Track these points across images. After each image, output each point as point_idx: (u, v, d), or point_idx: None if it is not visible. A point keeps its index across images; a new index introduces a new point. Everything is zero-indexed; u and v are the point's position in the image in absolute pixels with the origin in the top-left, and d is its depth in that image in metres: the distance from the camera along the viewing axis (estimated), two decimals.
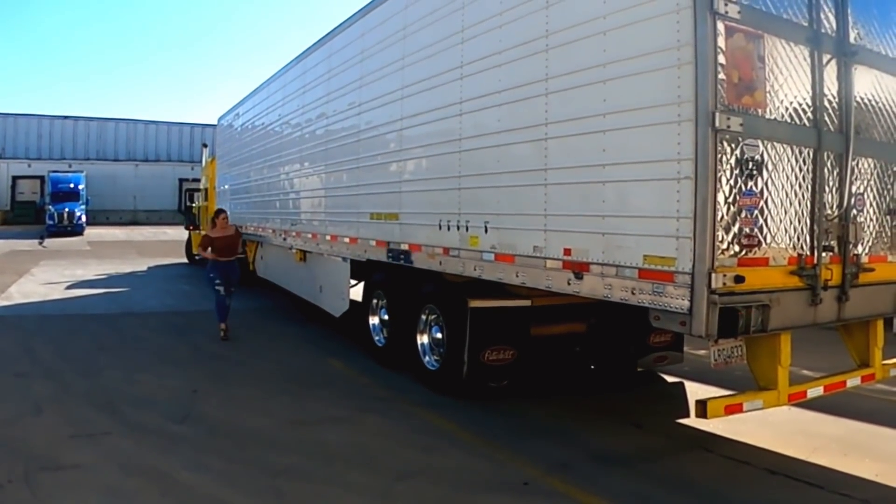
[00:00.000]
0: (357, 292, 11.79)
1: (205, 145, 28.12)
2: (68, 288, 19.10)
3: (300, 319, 14.45)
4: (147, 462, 6.50)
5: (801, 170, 6.08)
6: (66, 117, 56.03)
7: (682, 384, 9.50)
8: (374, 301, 10.96)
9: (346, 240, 11.48)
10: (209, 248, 12.51)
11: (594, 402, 8.81)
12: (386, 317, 10.62)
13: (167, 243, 34.24)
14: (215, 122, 23.96)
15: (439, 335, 9.05)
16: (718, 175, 5.38)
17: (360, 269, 11.50)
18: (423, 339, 9.40)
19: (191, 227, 26.56)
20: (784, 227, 5.92)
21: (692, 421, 7.40)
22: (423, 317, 9.38)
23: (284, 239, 15.02)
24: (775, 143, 5.84)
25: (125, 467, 6.35)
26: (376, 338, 10.88)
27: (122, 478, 6.13)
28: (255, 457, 6.68)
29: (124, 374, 9.67)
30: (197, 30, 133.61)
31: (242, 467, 6.43)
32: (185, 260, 27.01)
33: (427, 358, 9.30)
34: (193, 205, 26.70)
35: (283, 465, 6.48)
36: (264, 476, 6.24)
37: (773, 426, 7.56)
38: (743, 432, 7.35)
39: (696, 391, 8.67)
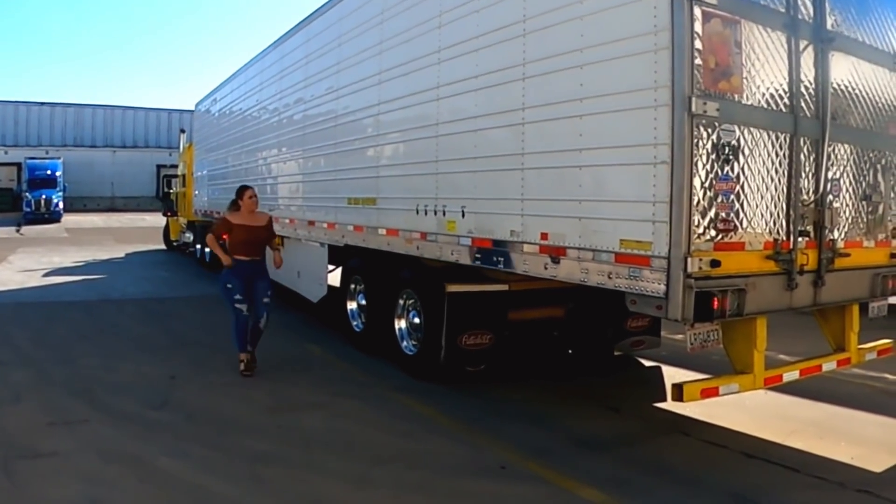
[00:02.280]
0: (335, 277, 11.77)
1: (182, 131, 27.97)
2: (46, 275, 18.99)
3: (278, 305, 14.25)
4: (126, 449, 6.46)
5: (777, 155, 6.10)
6: (42, 103, 55.33)
7: (659, 368, 9.56)
8: (352, 286, 10.94)
9: (324, 225, 11.47)
10: (224, 241, 9.32)
11: (572, 386, 8.84)
12: (364, 302, 10.60)
13: (145, 230, 34.10)
14: (193, 108, 23.85)
15: (417, 320, 9.05)
16: (694, 160, 5.40)
17: (337, 255, 11.48)
18: (400, 324, 9.40)
19: (168, 214, 26.55)
20: (760, 212, 5.94)
21: (669, 405, 7.42)
22: (401, 302, 9.38)
23: None
24: (752, 129, 5.86)
25: (104, 454, 6.30)
26: (354, 323, 10.87)
27: (101, 465, 6.08)
28: (233, 443, 6.66)
29: (102, 361, 9.61)
30: (174, 14, 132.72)
31: (221, 453, 6.40)
32: (162, 246, 27.05)
33: (405, 343, 9.29)
34: (171, 191, 26.64)
35: (262, 451, 6.46)
36: (243, 462, 6.21)
37: (749, 410, 7.60)
38: (720, 416, 7.39)
39: (673, 375, 8.70)
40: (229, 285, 8.99)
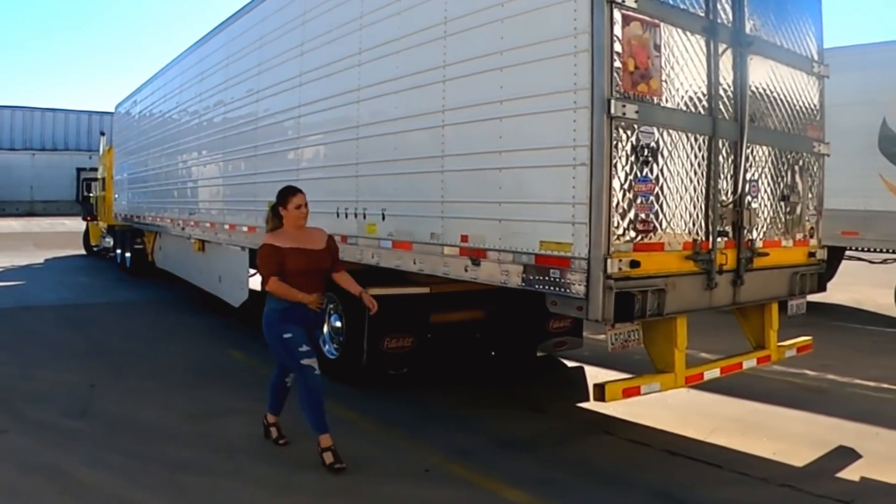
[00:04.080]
0: (257, 282, 11.62)
1: (102, 133, 27.39)
2: None
3: (201, 310, 14.17)
4: (45, 459, 6.27)
5: (696, 157, 6.18)
6: None
7: (582, 369, 9.63)
8: None
9: (245, 229, 11.32)
10: (277, 273, 6.28)
11: (495, 388, 8.86)
12: None
13: (65, 235, 33.28)
14: (113, 110, 23.45)
15: (338, 324, 8.98)
16: (614, 161, 5.43)
17: None
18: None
19: (88, 218, 26.05)
20: (679, 213, 6.02)
21: (593, 405, 7.47)
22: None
23: (183, 229, 14.73)
24: (671, 131, 5.93)
25: (22, 466, 6.11)
26: None
27: (20, 476, 5.90)
28: (154, 451, 6.51)
29: (20, 369, 9.33)
30: (92, 10, 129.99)
31: (142, 462, 6.25)
32: (82, 251, 26.49)
33: (327, 347, 9.19)
34: (91, 195, 26.12)
35: (183, 459, 6.33)
36: (164, 470, 6.08)
37: (672, 408, 7.69)
38: (643, 415, 7.46)
39: (596, 375, 8.76)
40: (287, 335, 6.25)
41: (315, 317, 6.50)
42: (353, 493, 5.72)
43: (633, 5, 5.58)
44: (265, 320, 6.47)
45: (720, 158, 6.39)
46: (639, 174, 5.63)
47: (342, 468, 6.02)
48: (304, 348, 6.22)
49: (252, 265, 11.50)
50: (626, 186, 5.54)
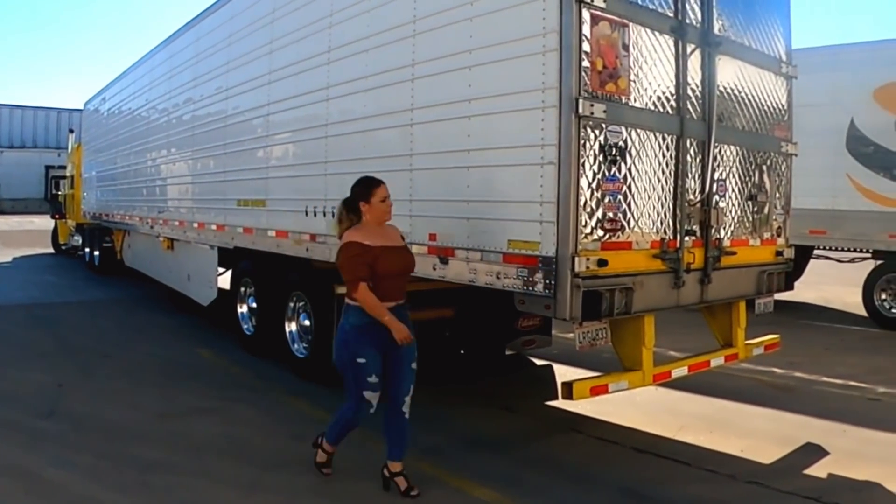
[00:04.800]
0: (225, 280, 11.59)
1: (71, 131, 27.15)
2: None
3: (170, 309, 14.10)
4: (11, 460, 6.22)
5: (664, 156, 6.21)
6: None
7: (551, 367, 9.68)
8: (242, 289, 10.82)
9: (214, 227, 11.27)
10: (368, 278, 5.48)
11: (464, 386, 8.90)
12: (254, 305, 10.48)
13: (33, 233, 32.89)
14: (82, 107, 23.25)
15: (307, 322, 8.99)
16: (582, 160, 5.44)
17: (228, 257, 11.32)
18: (291, 327, 9.35)
19: (57, 216, 25.81)
20: (647, 212, 6.04)
21: (562, 403, 7.48)
22: (291, 304, 9.32)
23: (151, 227, 14.64)
24: (639, 130, 5.94)
25: None
26: (245, 326, 10.75)
27: None
28: (122, 451, 6.47)
29: None
30: (62, 6, 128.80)
31: (110, 462, 6.22)
32: (51, 250, 26.25)
33: (296, 346, 9.23)
34: (60, 193, 25.90)
35: (152, 459, 6.30)
36: (132, 471, 6.04)
37: (640, 406, 7.75)
38: (611, 413, 7.52)
39: (565, 373, 8.82)
40: (361, 360, 5.50)
41: (388, 331, 5.50)
42: (322, 493, 5.72)
43: (602, 5, 5.58)
44: (340, 337, 5.71)
45: (688, 158, 6.42)
46: (607, 173, 5.65)
47: (328, 473, 5.96)
48: (373, 379, 5.53)
49: (222, 264, 11.48)
50: (593, 185, 5.55)
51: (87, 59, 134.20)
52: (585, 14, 5.50)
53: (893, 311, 13.08)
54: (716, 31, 6.68)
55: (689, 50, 6.43)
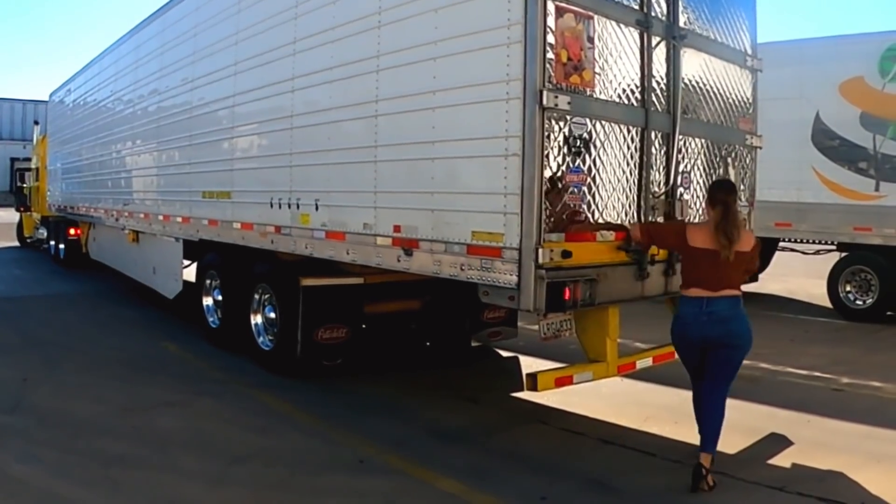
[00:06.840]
0: (191, 273, 11.52)
1: (36, 123, 26.85)
2: None
3: (135, 302, 13.99)
4: None
5: (629, 148, 6.26)
6: None
7: (517, 359, 9.68)
8: (208, 281, 10.75)
9: (179, 219, 11.20)
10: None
11: (430, 378, 8.89)
12: (220, 297, 10.41)
13: None
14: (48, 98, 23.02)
15: (273, 315, 8.95)
16: (546, 152, 5.47)
17: (193, 249, 11.27)
18: (256, 320, 9.30)
19: (22, 209, 25.56)
20: (612, 204, 6.09)
21: (528, 395, 7.47)
22: (257, 297, 9.28)
23: (117, 219, 14.51)
24: (603, 122, 5.98)
25: None
26: (210, 319, 10.69)
27: None
28: (87, 446, 6.41)
29: None
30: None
31: (75, 457, 6.15)
32: (16, 243, 25.97)
33: (261, 338, 9.20)
34: (25, 185, 25.64)
35: (117, 454, 6.23)
36: (98, 465, 5.98)
37: (606, 397, 7.77)
38: (577, 404, 7.53)
39: (531, 365, 8.79)
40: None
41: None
42: (288, 487, 5.69)
43: None
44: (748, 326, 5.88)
45: (653, 150, 6.47)
46: (571, 165, 5.68)
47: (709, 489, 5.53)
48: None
49: (187, 256, 11.43)
50: (557, 177, 5.59)
51: (53, 50, 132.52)
52: (550, 6, 5.52)
53: (857, 302, 13.21)
54: (681, 23, 6.72)
55: (654, 42, 6.47)
